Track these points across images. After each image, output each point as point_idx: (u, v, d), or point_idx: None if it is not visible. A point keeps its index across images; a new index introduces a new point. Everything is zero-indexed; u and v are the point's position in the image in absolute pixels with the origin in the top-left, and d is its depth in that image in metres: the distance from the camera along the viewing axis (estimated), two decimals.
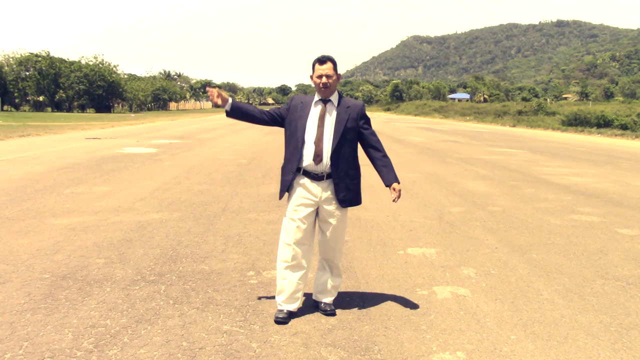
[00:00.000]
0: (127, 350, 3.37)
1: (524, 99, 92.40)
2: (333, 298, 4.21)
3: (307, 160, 3.95)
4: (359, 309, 4.23)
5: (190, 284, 4.62)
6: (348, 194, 4.02)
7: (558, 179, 12.55)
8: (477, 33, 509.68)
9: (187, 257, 5.42)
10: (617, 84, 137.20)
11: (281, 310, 3.98)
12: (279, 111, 4.16)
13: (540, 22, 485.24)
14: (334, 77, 3.99)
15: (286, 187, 4.04)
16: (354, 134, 4.06)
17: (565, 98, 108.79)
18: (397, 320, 4.03)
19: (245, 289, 4.56)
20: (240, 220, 7.09)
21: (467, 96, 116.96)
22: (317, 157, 3.93)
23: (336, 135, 3.95)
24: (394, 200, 4.12)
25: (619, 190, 11.18)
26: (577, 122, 43.33)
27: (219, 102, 4.00)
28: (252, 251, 5.71)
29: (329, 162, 3.94)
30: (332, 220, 4.03)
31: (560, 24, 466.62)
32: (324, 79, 3.95)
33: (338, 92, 4.10)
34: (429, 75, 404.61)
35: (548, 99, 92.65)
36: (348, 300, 4.40)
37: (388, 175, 4.12)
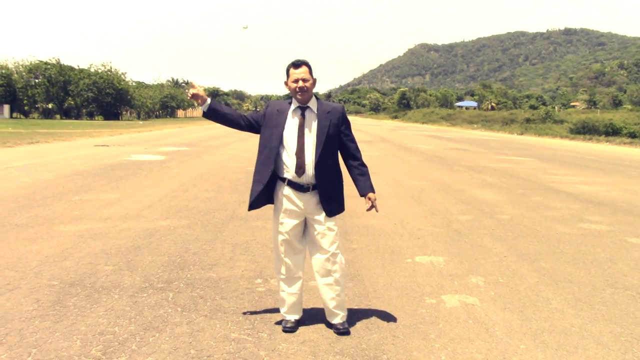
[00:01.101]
0: (135, 358, 3.37)
1: (532, 107, 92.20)
2: (344, 315, 3.97)
3: (290, 172, 3.84)
4: (367, 317, 4.21)
5: (198, 292, 4.62)
6: (333, 203, 3.90)
7: (566, 187, 12.49)
8: (484, 41, 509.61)
9: (194, 264, 5.42)
10: (625, 92, 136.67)
11: (288, 320, 3.96)
12: (255, 117, 4.03)
13: (548, 30, 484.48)
14: (310, 81, 3.84)
15: (254, 198, 3.91)
16: (336, 141, 3.94)
17: (573, 106, 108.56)
18: (405, 329, 4.01)
19: (253, 297, 4.55)
20: (248, 228, 7.09)
21: (475, 104, 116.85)
22: (300, 169, 3.80)
23: (319, 145, 3.82)
24: (368, 210, 4.02)
25: (628, 198, 11.12)
26: (585, 130, 43.22)
27: (199, 101, 3.95)
28: (260, 259, 5.71)
29: (313, 173, 3.81)
30: (322, 231, 3.88)
31: (568, 32, 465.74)
32: (300, 83, 3.80)
33: (315, 96, 3.96)
34: (437, 83, 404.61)
35: (556, 107, 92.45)
36: (356, 308, 4.38)
37: (364, 185, 4.01)
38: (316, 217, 3.89)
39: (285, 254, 3.94)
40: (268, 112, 3.98)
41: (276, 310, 4.21)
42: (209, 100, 3.98)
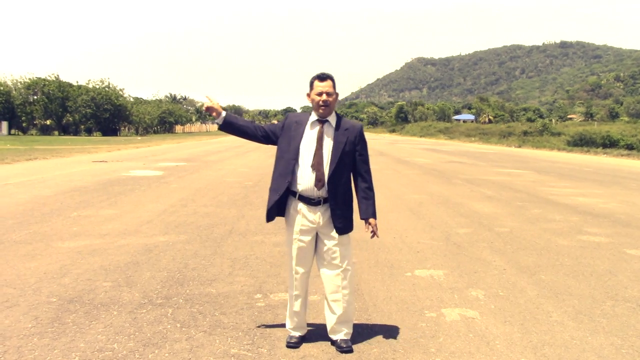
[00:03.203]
0: None
1: (529, 120, 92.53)
2: (349, 332, 3.93)
3: (304, 184, 3.78)
4: (367, 331, 4.20)
5: (197, 307, 4.61)
6: (344, 221, 3.82)
7: (565, 200, 12.50)
8: (481, 54, 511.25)
9: (194, 280, 5.40)
10: (622, 104, 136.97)
11: (292, 336, 3.93)
12: (273, 128, 4.00)
13: (544, 44, 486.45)
14: (334, 96, 3.81)
15: (269, 208, 3.89)
16: (351, 158, 3.88)
17: (570, 118, 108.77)
18: (405, 343, 4.00)
19: (253, 312, 4.54)
20: (247, 243, 7.08)
21: (472, 117, 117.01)
22: (319, 182, 3.75)
23: (333, 160, 3.76)
24: (371, 237, 3.96)
25: (627, 210, 11.13)
26: (582, 143, 43.37)
27: (214, 114, 3.95)
28: (259, 274, 5.70)
29: (325, 188, 3.77)
30: (334, 247, 3.83)
31: (563, 45, 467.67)
32: (324, 97, 3.77)
33: (336, 112, 3.93)
34: (434, 96, 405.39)
35: (553, 120, 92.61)
36: (356, 322, 4.36)
37: (367, 209, 3.91)
38: (328, 233, 3.83)
39: (295, 271, 3.89)
40: (287, 123, 3.95)
41: (275, 326, 4.20)
42: (223, 113, 3.97)
